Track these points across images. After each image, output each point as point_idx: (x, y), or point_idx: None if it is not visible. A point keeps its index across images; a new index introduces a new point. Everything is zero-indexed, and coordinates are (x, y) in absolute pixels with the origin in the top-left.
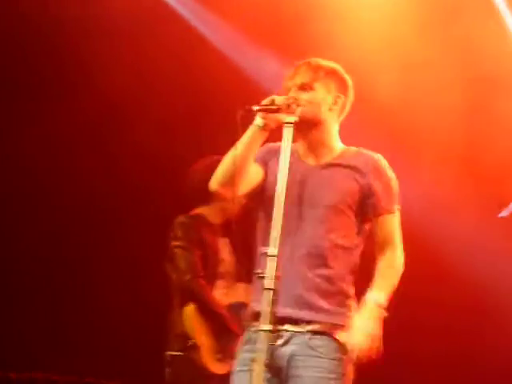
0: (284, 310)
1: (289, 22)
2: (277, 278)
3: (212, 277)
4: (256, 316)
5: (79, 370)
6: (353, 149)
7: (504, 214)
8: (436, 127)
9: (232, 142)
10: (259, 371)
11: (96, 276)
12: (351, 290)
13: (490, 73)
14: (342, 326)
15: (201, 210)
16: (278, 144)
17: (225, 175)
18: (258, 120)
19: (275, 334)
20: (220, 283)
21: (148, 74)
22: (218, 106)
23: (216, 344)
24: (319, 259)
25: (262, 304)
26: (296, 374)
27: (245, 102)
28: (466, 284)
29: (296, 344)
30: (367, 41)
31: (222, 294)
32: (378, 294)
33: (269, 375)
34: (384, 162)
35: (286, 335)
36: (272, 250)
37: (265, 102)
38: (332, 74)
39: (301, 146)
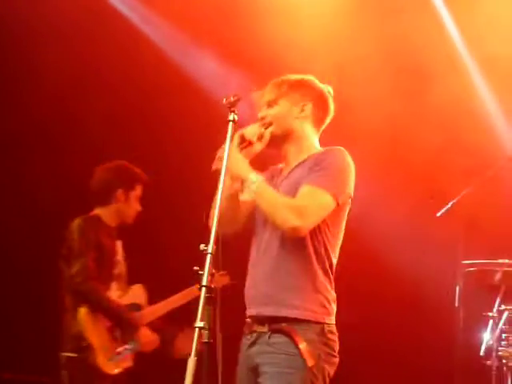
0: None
1: (228, 18)
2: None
3: (108, 278)
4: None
5: None
6: (321, 149)
7: (440, 213)
8: (368, 122)
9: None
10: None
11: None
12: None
13: (423, 68)
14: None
15: (98, 211)
16: (278, 166)
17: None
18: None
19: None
20: (114, 285)
21: (92, 70)
22: (162, 101)
23: (109, 345)
24: (285, 262)
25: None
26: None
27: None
28: (397, 278)
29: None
30: (305, 36)
31: (117, 296)
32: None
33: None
34: (337, 152)
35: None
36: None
37: (238, 136)
38: (295, 85)
39: (284, 164)
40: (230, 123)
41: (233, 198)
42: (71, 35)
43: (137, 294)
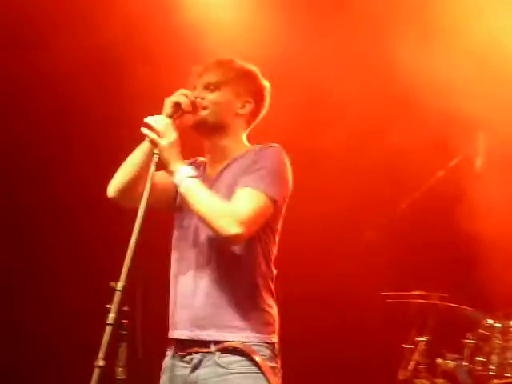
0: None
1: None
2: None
3: None
4: (171, 343)
5: None
6: (251, 147)
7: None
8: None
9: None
10: None
11: None
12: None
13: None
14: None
15: None
16: (203, 159)
17: (118, 183)
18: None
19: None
20: None
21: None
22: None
23: None
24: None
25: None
26: None
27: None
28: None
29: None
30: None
31: None
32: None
33: None
34: (274, 151)
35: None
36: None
37: (170, 103)
38: (244, 76)
39: (208, 160)
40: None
41: (146, 167)
42: None
43: None
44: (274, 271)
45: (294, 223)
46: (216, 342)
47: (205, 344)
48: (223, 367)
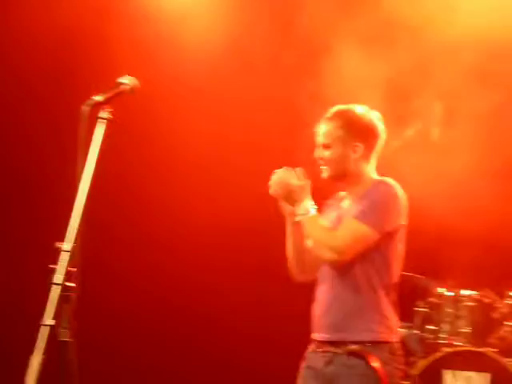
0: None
1: None
2: None
3: None
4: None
5: None
6: (374, 180)
7: None
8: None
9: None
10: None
11: None
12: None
13: None
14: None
15: None
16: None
17: (293, 267)
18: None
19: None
20: None
21: None
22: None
23: None
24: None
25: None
26: None
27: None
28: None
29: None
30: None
31: None
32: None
33: None
34: (384, 186)
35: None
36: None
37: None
38: (347, 125)
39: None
40: (103, 121)
41: (301, 248)
42: None
43: None
44: (392, 281)
45: None
46: (345, 343)
47: (335, 345)
48: (349, 368)
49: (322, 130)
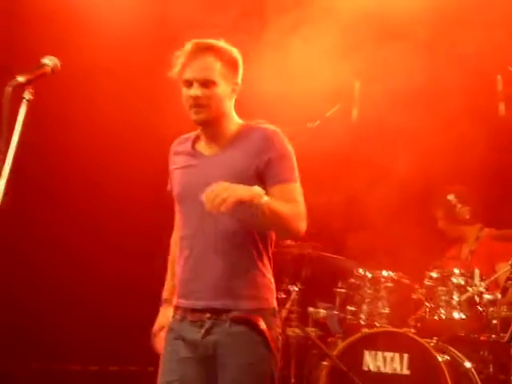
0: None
1: None
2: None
3: None
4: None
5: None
6: (249, 124)
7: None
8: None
9: None
10: None
11: None
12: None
13: None
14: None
15: None
16: (186, 136)
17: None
18: None
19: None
20: None
21: None
22: None
23: None
24: (229, 244)
25: None
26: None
27: None
28: None
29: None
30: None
31: None
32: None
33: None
34: (277, 135)
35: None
36: None
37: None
38: (230, 63)
39: (202, 139)
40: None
41: None
42: None
43: None
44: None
45: None
46: (228, 311)
47: (216, 312)
48: (232, 336)
49: (199, 63)
